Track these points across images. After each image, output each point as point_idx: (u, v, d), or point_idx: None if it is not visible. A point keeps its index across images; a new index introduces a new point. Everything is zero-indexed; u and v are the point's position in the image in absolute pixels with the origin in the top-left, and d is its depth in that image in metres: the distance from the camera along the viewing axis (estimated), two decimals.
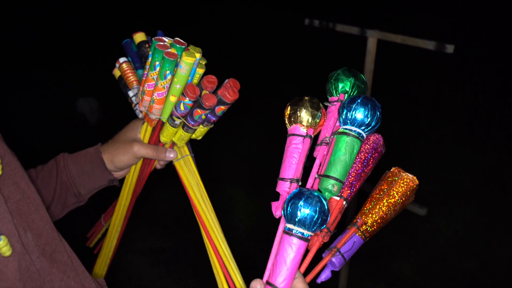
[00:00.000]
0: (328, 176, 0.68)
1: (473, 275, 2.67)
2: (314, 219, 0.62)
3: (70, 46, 5.57)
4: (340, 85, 0.74)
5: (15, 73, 4.79)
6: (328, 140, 0.72)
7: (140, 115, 0.99)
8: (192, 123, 0.90)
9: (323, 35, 5.17)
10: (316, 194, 0.63)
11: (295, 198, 0.63)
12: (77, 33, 5.88)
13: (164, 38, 0.89)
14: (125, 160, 0.96)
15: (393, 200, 0.72)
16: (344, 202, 0.69)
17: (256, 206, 3.15)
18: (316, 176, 0.71)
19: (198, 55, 0.87)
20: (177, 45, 0.86)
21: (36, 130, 3.71)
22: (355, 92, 0.74)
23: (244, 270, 0.89)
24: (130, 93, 1.00)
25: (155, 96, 0.89)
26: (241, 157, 3.70)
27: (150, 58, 0.88)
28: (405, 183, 0.73)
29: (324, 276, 0.71)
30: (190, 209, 0.95)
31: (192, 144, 1.03)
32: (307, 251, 0.67)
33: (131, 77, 1.00)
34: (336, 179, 0.68)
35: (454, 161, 3.66)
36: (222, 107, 0.88)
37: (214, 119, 0.91)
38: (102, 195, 1.10)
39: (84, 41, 5.69)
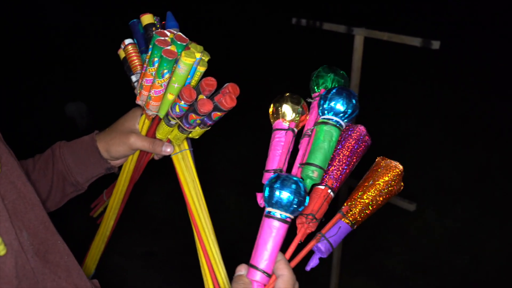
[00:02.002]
0: (308, 164, 0.70)
1: (465, 271, 2.68)
2: (291, 199, 0.63)
3: (58, 51, 5.52)
4: (321, 81, 0.78)
5: (2, 78, 4.74)
6: (310, 132, 0.74)
7: (139, 102, 0.95)
8: (187, 125, 0.87)
9: (311, 34, 5.18)
10: (293, 177, 0.64)
11: (272, 182, 0.65)
12: (66, 38, 5.83)
13: (166, 32, 0.84)
14: (120, 150, 0.93)
15: (379, 187, 0.74)
16: (330, 191, 0.70)
17: (248, 208, 3.13)
18: (299, 165, 0.72)
19: (198, 55, 0.83)
20: (178, 42, 0.81)
21: (26, 135, 3.67)
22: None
23: (234, 271, 0.89)
24: (133, 78, 0.96)
25: (152, 93, 0.86)
26: (233, 159, 3.69)
27: (149, 52, 0.84)
28: (389, 171, 0.75)
29: (312, 263, 0.71)
30: (182, 212, 0.94)
31: (191, 141, 1.01)
32: (291, 238, 0.68)
33: (136, 61, 0.95)
34: (316, 166, 0.69)
35: (443, 157, 3.68)
36: (219, 113, 0.84)
37: (210, 123, 0.88)
38: (102, 183, 1.09)
39: (71, 46, 5.65)
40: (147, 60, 0.85)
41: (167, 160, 0.99)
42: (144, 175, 1.04)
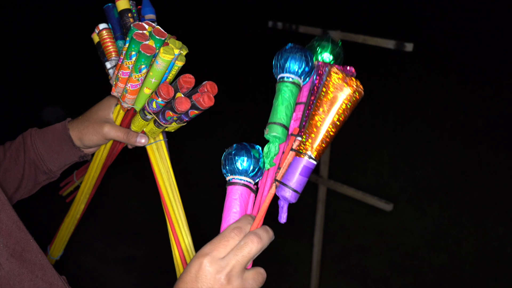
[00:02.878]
0: (269, 125, 0.68)
1: (443, 269, 2.71)
2: (252, 167, 0.67)
3: (36, 55, 5.44)
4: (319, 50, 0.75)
5: None
6: None
7: (114, 94, 0.93)
8: (164, 121, 0.86)
9: (287, 37, 5.20)
10: (245, 143, 0.68)
11: (230, 154, 0.69)
12: (42, 42, 5.74)
13: (144, 24, 0.82)
14: (94, 140, 0.92)
15: (330, 105, 0.63)
16: (298, 138, 0.67)
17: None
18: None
19: (177, 51, 0.81)
20: (157, 37, 0.79)
21: (2, 140, 3.60)
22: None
23: None
24: (108, 65, 0.94)
25: (129, 86, 0.85)
26: (212, 163, 3.67)
27: (127, 45, 0.83)
28: (332, 82, 0.64)
29: (282, 213, 0.67)
30: (161, 216, 0.93)
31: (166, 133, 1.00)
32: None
33: (110, 47, 0.93)
34: (271, 123, 0.67)
35: (420, 158, 3.73)
36: (196, 111, 0.83)
37: (187, 119, 0.87)
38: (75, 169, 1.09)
39: (49, 51, 5.57)
40: (124, 52, 0.84)
41: (147, 163, 0.98)
42: (123, 179, 1.03)
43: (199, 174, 3.50)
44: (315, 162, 0.65)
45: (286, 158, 0.66)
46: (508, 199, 3.23)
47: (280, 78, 0.69)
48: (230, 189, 0.68)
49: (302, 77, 0.69)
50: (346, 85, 0.62)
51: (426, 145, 3.90)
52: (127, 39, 0.83)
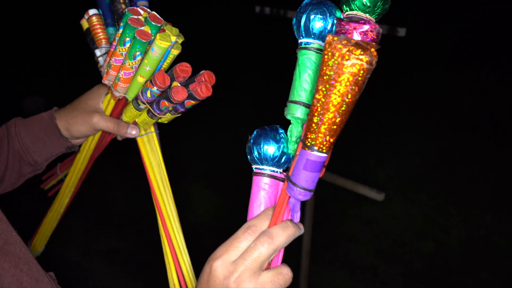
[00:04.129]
0: (288, 104, 0.60)
1: (431, 257, 2.71)
2: (275, 154, 0.60)
3: (15, 44, 5.30)
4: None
5: None
6: None
7: (105, 82, 0.89)
8: (158, 112, 0.82)
9: (275, 23, 5.14)
10: (267, 127, 0.61)
11: (256, 139, 0.61)
12: (23, 31, 5.60)
13: (139, 10, 0.78)
14: (82, 130, 0.87)
15: (323, 86, 0.48)
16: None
17: (215, 202, 3.09)
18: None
19: (173, 38, 0.77)
20: (152, 23, 0.75)
21: None
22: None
23: (201, 265, 0.84)
24: (97, 52, 0.90)
25: (121, 74, 0.80)
26: (199, 153, 3.63)
27: (120, 31, 0.79)
28: (327, 56, 0.46)
29: (294, 212, 0.59)
30: (147, 208, 0.89)
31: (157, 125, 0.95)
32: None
33: (100, 34, 0.89)
34: (290, 102, 0.59)
35: (407, 146, 3.72)
36: (192, 101, 0.79)
37: (182, 110, 0.83)
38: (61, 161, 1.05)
39: (30, 39, 5.44)
40: (117, 38, 0.80)
41: (132, 153, 0.93)
42: (107, 169, 0.98)
43: (190, 166, 3.46)
44: (322, 155, 0.53)
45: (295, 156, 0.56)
46: (495, 188, 3.23)
47: (298, 44, 0.58)
48: (254, 180, 0.62)
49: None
50: (345, 60, 0.45)
51: (413, 133, 3.89)
52: (121, 24, 0.79)
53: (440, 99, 4.34)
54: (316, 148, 0.52)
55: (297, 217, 0.58)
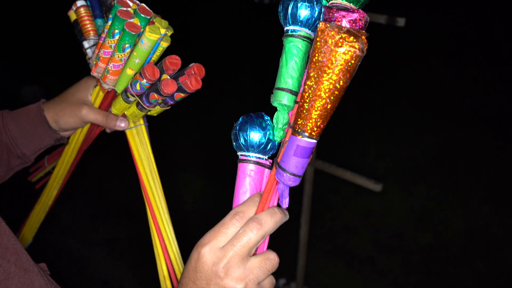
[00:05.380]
0: (274, 91, 0.59)
1: (429, 249, 2.72)
2: (261, 141, 0.60)
3: (13, 32, 5.27)
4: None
5: None
6: None
7: (94, 74, 0.88)
8: (148, 104, 0.82)
9: (274, 13, 5.11)
10: (253, 114, 0.61)
11: (241, 126, 0.61)
12: (20, 19, 5.57)
13: (129, 1, 0.78)
14: (71, 122, 0.87)
15: (314, 72, 0.49)
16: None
17: (210, 193, 3.09)
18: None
19: (163, 31, 0.77)
20: (142, 15, 0.75)
21: None
22: None
23: (189, 254, 0.85)
24: (85, 44, 0.89)
25: (111, 67, 0.80)
26: (195, 144, 3.62)
27: (109, 23, 0.78)
28: (320, 42, 0.48)
29: (283, 197, 0.60)
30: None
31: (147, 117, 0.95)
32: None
33: (88, 26, 0.89)
34: (276, 89, 0.58)
35: (406, 138, 3.71)
36: (182, 94, 0.79)
37: (172, 103, 0.83)
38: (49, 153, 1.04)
39: (23, 28, 5.40)
40: (106, 30, 0.79)
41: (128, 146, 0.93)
42: (105, 159, 0.98)
43: (180, 156, 3.45)
44: (311, 141, 0.54)
45: (286, 138, 0.57)
46: (493, 179, 3.23)
47: (285, 32, 0.58)
48: (239, 167, 0.62)
49: (312, 28, 0.56)
50: (338, 47, 0.46)
51: (412, 124, 3.88)
52: (110, 16, 0.79)
53: (440, 91, 4.32)
54: (306, 134, 0.53)
55: (286, 202, 0.59)
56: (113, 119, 0.87)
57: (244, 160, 0.61)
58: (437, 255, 2.67)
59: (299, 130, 0.53)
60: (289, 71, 0.57)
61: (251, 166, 0.61)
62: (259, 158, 0.61)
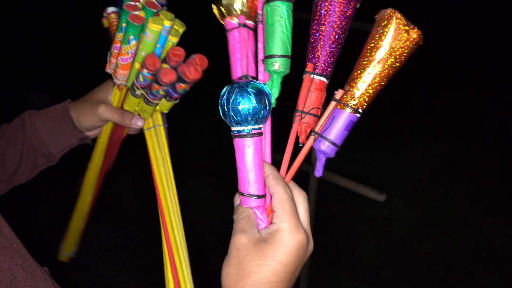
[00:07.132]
0: (268, 57, 0.61)
1: (432, 259, 2.71)
2: (246, 110, 0.56)
3: (20, 38, 5.32)
4: None
5: None
6: (261, 17, 0.65)
7: (108, 71, 0.90)
8: (152, 97, 0.82)
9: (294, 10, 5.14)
10: (241, 84, 0.56)
11: (221, 99, 0.58)
12: (27, 25, 5.62)
13: None
14: (90, 121, 0.89)
15: (381, 57, 0.58)
16: (315, 76, 0.60)
17: (218, 200, 3.10)
18: (261, 61, 0.64)
19: (167, 23, 0.76)
20: (149, 8, 0.75)
21: None
22: None
23: (202, 263, 0.84)
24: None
25: (119, 60, 0.81)
26: (203, 151, 3.64)
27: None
28: (388, 29, 0.57)
29: (318, 167, 0.63)
30: (153, 203, 0.89)
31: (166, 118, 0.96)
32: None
33: None
34: (275, 56, 0.60)
35: (410, 148, 3.72)
36: (183, 85, 0.79)
37: (176, 95, 0.84)
38: (74, 154, 1.05)
39: (35, 35, 5.45)
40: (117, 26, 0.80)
41: (140, 149, 0.94)
42: (113, 165, 0.99)
43: (197, 163, 3.46)
44: (359, 115, 0.61)
45: (328, 109, 0.60)
46: (497, 191, 3.23)
47: None
48: (235, 142, 0.59)
49: None
50: (407, 35, 0.57)
51: (417, 135, 3.89)
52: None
53: (444, 101, 4.33)
54: (360, 110, 0.60)
55: (320, 171, 0.64)
56: (129, 117, 0.89)
57: (240, 135, 0.58)
58: (440, 266, 2.67)
59: (350, 103, 0.60)
60: (284, 37, 0.60)
61: (249, 141, 0.58)
62: (254, 129, 0.58)
